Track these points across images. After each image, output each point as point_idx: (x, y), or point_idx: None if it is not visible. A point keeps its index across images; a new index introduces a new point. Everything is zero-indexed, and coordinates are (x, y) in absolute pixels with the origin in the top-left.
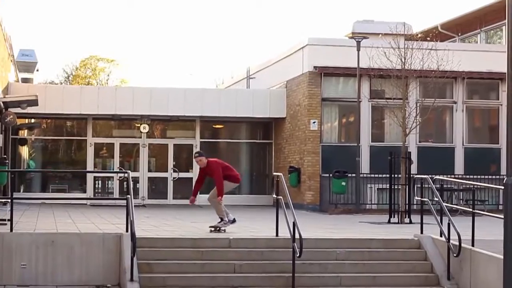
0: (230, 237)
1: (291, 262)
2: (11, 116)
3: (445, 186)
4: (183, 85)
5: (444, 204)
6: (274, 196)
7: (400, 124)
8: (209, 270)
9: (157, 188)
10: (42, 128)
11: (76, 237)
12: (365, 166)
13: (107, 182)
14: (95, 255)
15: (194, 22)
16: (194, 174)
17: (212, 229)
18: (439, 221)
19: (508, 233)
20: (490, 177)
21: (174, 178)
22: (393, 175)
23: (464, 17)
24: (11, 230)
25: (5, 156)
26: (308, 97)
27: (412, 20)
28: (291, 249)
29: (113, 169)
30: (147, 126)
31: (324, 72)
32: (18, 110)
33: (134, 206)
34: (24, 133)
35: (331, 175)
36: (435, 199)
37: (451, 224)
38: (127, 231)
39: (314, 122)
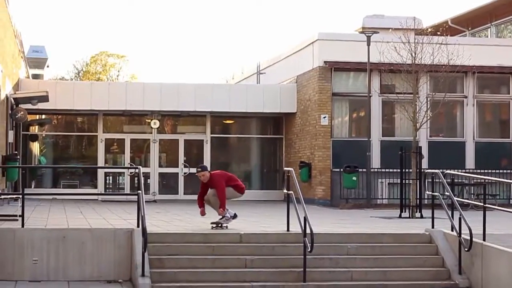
0: (241, 232)
1: (302, 257)
2: (22, 112)
3: (456, 180)
4: (193, 81)
5: (455, 198)
6: (285, 191)
7: (411, 119)
8: (220, 265)
9: (168, 184)
10: (52, 124)
11: (88, 232)
12: (375, 161)
13: (118, 177)
14: (106, 251)
15: (205, 18)
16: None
17: (214, 225)
18: (450, 215)
19: None
20: (501, 171)
21: (184, 173)
22: (404, 170)
23: (475, 11)
24: (23, 225)
25: (16, 152)
26: (319, 92)
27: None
28: (302, 244)
29: (124, 165)
30: (157, 122)
31: (335, 67)
32: (29, 106)
33: (145, 201)
34: (35, 129)
35: (342, 170)
36: (446, 193)
37: (462, 219)
38: (138, 226)
39: (324, 117)
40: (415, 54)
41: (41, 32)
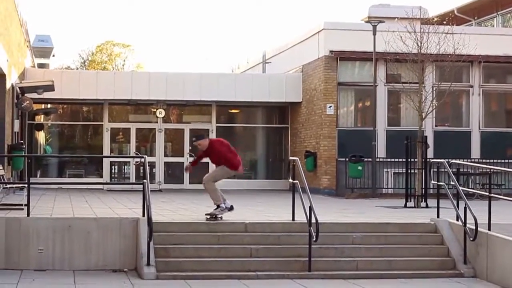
0: (246, 221)
1: (308, 246)
2: (28, 102)
3: (461, 170)
4: (198, 70)
5: (460, 188)
6: (290, 180)
7: (416, 108)
8: (226, 255)
9: (173, 173)
10: (58, 113)
11: (93, 221)
12: (381, 150)
13: (123, 167)
14: (111, 240)
15: (211, 7)
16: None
17: (208, 216)
18: (456, 205)
19: None
20: (506, 161)
21: (190, 162)
22: (409, 159)
23: (481, 0)
24: (28, 215)
25: (22, 141)
26: (324, 82)
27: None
28: (308, 234)
29: (129, 154)
30: (163, 111)
31: (340, 57)
32: (35, 95)
33: (151, 190)
34: (40, 119)
35: (347, 159)
36: (452, 183)
37: (467, 208)
38: (143, 215)
39: (330, 107)
40: (421, 43)
41: (46, 21)
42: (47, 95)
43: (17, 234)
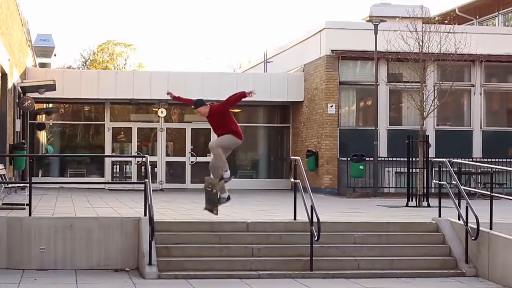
0: (248, 220)
1: (309, 245)
2: (29, 101)
3: (463, 169)
4: (200, 69)
5: (462, 187)
6: (292, 180)
7: (418, 108)
8: (227, 254)
9: (175, 172)
10: (60, 112)
11: (95, 221)
12: (382, 149)
13: (125, 166)
14: (113, 239)
15: (212, 6)
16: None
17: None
18: (457, 204)
19: None
20: (508, 160)
21: (192, 162)
22: (411, 159)
23: (482, 0)
24: (30, 214)
25: (23, 140)
26: (326, 81)
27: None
28: (309, 233)
29: (131, 154)
30: (164, 111)
31: (342, 56)
32: (36, 95)
33: (152, 190)
34: (42, 118)
35: (349, 158)
36: (453, 182)
37: (469, 207)
38: (145, 215)
39: (331, 106)
40: (422, 42)
41: (48, 20)
42: (48, 94)
43: (19, 233)
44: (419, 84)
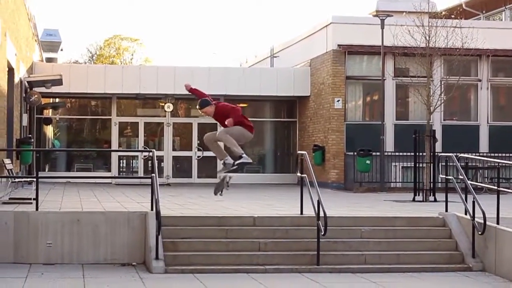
0: (255, 215)
1: (316, 240)
2: (36, 96)
3: (469, 164)
4: (207, 64)
5: (469, 182)
6: (299, 174)
7: (425, 102)
8: (234, 248)
9: (181, 167)
10: (66, 107)
11: (101, 215)
12: (389, 144)
13: (131, 161)
14: (120, 234)
15: (218, 1)
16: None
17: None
18: (464, 199)
19: None
20: None
21: (198, 157)
22: (417, 153)
23: None
24: (37, 208)
25: (30, 135)
26: (332, 76)
27: None
28: (316, 227)
29: (137, 148)
30: (171, 105)
31: (348, 51)
32: (43, 89)
33: (159, 185)
34: (48, 113)
35: (355, 153)
36: (460, 177)
37: (476, 202)
38: (152, 209)
39: (338, 101)
40: (429, 37)
41: (55, 15)
42: (55, 89)
43: (26, 228)
44: (425, 78)
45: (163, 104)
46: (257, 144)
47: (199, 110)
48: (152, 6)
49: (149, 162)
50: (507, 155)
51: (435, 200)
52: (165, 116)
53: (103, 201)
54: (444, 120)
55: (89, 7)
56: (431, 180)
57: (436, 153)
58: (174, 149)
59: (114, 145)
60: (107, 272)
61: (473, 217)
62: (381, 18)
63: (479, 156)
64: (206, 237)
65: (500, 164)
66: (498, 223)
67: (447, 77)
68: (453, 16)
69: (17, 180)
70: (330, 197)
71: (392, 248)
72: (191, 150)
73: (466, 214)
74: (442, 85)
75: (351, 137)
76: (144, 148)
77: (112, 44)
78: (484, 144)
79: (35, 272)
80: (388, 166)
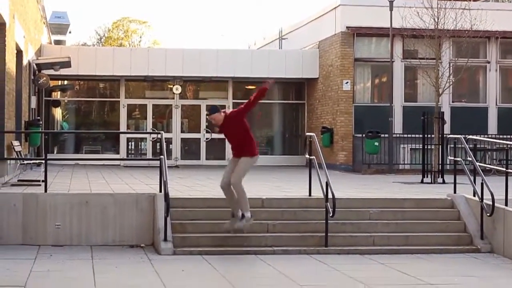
0: (263, 197)
1: (324, 221)
2: (44, 78)
3: (478, 146)
4: (215, 46)
5: (477, 163)
6: (307, 156)
7: (433, 84)
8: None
9: (190, 149)
10: (75, 89)
11: (110, 197)
12: (398, 126)
13: (140, 143)
14: (128, 216)
15: None
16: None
17: (241, 224)
18: (473, 180)
19: None
20: None
21: (207, 139)
22: (426, 135)
23: None
24: (46, 190)
25: (39, 117)
26: (341, 58)
27: None
28: (324, 209)
29: (146, 130)
30: (179, 87)
31: (357, 33)
32: (51, 72)
33: (167, 166)
34: (57, 95)
35: (364, 135)
36: (468, 159)
37: (484, 184)
38: (160, 191)
39: (346, 83)
40: (437, 19)
41: None
42: (63, 71)
43: (35, 210)
44: (434, 60)
45: (172, 86)
46: (266, 126)
47: (207, 117)
48: None
49: (158, 144)
50: None
51: (444, 182)
52: (173, 98)
53: (111, 183)
54: (452, 102)
55: None
56: (440, 162)
57: (444, 135)
58: (182, 131)
59: (123, 127)
60: (115, 253)
61: (482, 198)
62: (389, 0)
63: (488, 138)
64: (215, 219)
65: (508, 146)
66: (506, 204)
67: (456, 59)
68: None
69: (25, 162)
70: (338, 179)
71: (401, 230)
72: (200, 132)
73: (474, 195)
74: (451, 67)
75: (360, 119)
76: (153, 130)
77: (120, 27)
78: (492, 126)
79: (44, 253)
80: (396, 148)
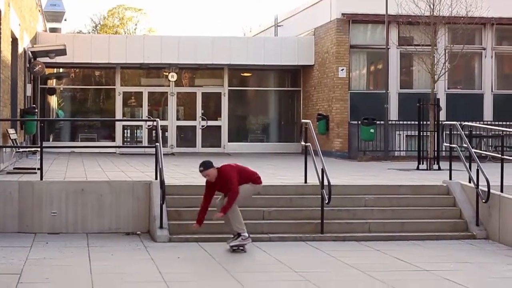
0: None
1: (320, 208)
2: (40, 66)
3: (474, 132)
4: (211, 34)
5: (473, 150)
6: (303, 143)
7: (429, 71)
8: None
9: (185, 137)
10: (70, 77)
11: (106, 185)
12: (393, 113)
13: (135, 131)
14: (124, 203)
15: None
16: (222, 122)
17: (235, 247)
18: (468, 167)
19: None
20: None
21: (202, 126)
22: (421, 122)
23: None
24: (41, 178)
25: (34, 105)
26: (336, 45)
27: None
28: (320, 196)
29: (141, 118)
30: (175, 75)
31: (352, 19)
32: (47, 59)
33: (163, 154)
34: (52, 83)
35: (359, 122)
36: (464, 145)
37: (480, 170)
38: (156, 178)
39: (342, 70)
40: (433, 5)
41: None
42: (59, 59)
43: (30, 197)
44: (430, 47)
45: (167, 74)
46: (261, 113)
47: (201, 173)
48: None
49: (153, 131)
50: (511, 123)
51: (439, 169)
52: (169, 86)
53: (107, 171)
54: (448, 88)
55: None
56: (435, 149)
57: (440, 122)
58: (178, 119)
59: (118, 115)
60: (111, 241)
61: (477, 185)
62: None
63: (483, 124)
64: (210, 206)
65: (504, 132)
66: (502, 191)
67: (451, 45)
68: None
69: (21, 150)
70: (334, 166)
71: (396, 216)
72: (195, 120)
73: (470, 182)
74: (446, 54)
75: (355, 106)
76: (148, 117)
77: (115, 14)
78: (488, 112)
79: (40, 241)
80: (392, 134)
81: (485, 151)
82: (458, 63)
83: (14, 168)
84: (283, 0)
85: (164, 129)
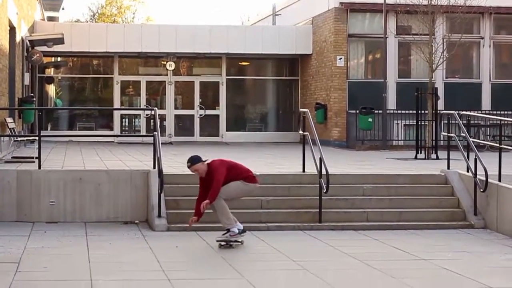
0: (256, 173)
1: (318, 197)
2: (38, 55)
3: (472, 121)
4: (208, 22)
5: (471, 139)
6: (301, 132)
7: (427, 60)
8: (236, 206)
9: (183, 126)
10: (68, 66)
11: (104, 174)
12: (391, 102)
13: (134, 119)
14: (122, 192)
15: None
16: (220, 111)
17: (223, 243)
18: (466, 156)
19: None
20: None
21: (200, 115)
22: (419, 111)
23: None
24: (39, 167)
25: (32, 94)
26: (334, 34)
27: None
28: (318, 185)
29: (139, 107)
30: (173, 64)
31: (351, 8)
32: (44, 48)
33: (161, 143)
34: (50, 72)
35: (357, 111)
36: (462, 134)
37: (478, 159)
38: (154, 167)
39: (340, 59)
40: None
41: None
42: (57, 48)
43: (29, 186)
44: (428, 36)
45: (165, 63)
46: (259, 102)
47: (189, 169)
48: None
49: (151, 120)
50: (509, 112)
51: (437, 158)
52: (167, 75)
53: (105, 160)
54: (446, 78)
55: None
56: (433, 138)
57: (438, 111)
58: (176, 108)
59: (116, 104)
60: (109, 230)
61: (475, 174)
62: None
63: (481, 113)
64: (207, 209)
65: (502, 122)
66: (500, 180)
67: (449, 34)
68: None
69: (19, 139)
70: (332, 155)
71: (394, 206)
72: (193, 109)
73: (468, 171)
74: (444, 43)
75: (353, 95)
76: (146, 106)
77: (113, 3)
78: (486, 101)
79: (38, 230)
80: (390, 124)
81: (483, 140)
82: (456, 52)
83: (12, 157)
84: None
85: (162, 118)
